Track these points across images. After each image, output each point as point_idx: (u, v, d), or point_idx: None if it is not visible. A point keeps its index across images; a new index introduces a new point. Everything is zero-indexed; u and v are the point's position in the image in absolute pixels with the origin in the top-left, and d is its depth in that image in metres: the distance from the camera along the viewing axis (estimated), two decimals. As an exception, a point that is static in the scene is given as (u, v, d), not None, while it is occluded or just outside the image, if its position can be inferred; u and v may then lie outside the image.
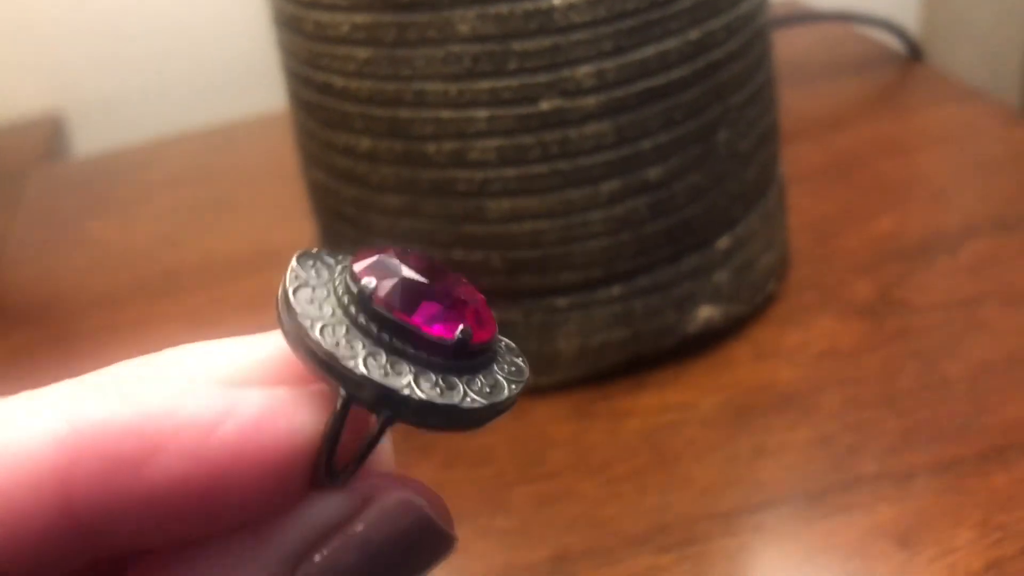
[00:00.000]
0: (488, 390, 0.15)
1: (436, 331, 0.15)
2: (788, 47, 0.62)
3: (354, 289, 0.15)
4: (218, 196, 0.58)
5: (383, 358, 0.14)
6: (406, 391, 0.14)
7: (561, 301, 0.36)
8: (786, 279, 0.42)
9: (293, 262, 0.15)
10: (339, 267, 0.15)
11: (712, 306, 0.38)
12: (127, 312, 0.48)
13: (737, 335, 0.39)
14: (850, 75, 0.61)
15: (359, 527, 0.14)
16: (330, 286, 0.15)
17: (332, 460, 0.14)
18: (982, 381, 0.36)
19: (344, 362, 0.14)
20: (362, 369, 0.14)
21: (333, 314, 0.14)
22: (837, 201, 0.48)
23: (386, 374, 0.14)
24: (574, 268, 0.35)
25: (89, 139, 0.76)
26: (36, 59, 0.75)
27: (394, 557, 0.15)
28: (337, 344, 0.14)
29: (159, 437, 0.13)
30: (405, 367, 0.14)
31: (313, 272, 0.15)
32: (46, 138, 0.72)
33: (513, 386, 0.15)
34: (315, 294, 0.15)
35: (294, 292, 0.14)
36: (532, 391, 0.38)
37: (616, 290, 0.36)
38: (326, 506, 0.14)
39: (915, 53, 0.61)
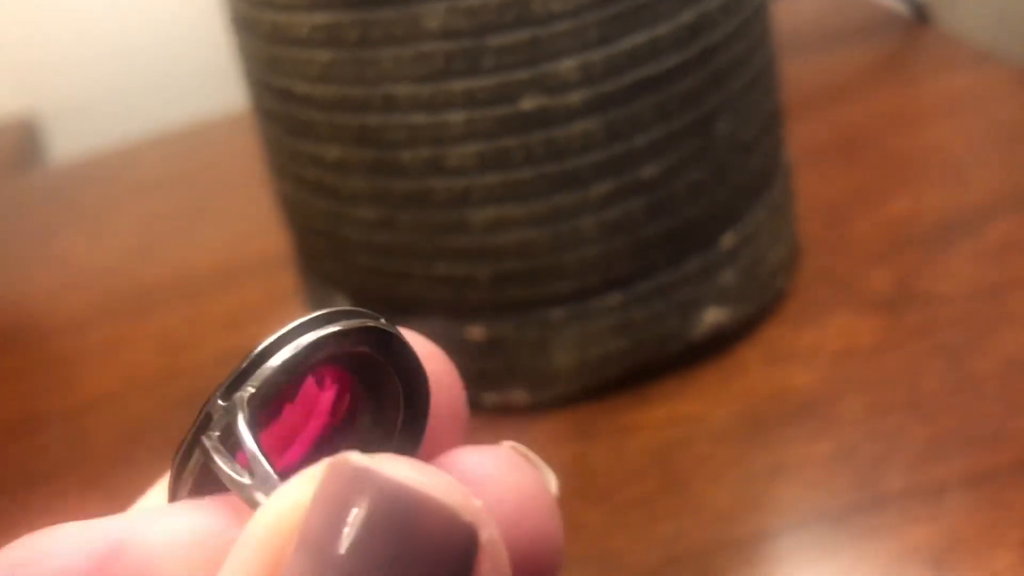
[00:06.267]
0: None
1: None
2: (785, 16, 0.59)
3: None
4: (193, 203, 0.55)
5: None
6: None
7: (555, 313, 0.33)
8: (797, 272, 0.39)
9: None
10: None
11: (719, 308, 0.35)
12: (97, 334, 0.45)
13: (747, 338, 0.36)
14: (853, 43, 0.58)
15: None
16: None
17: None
18: (1014, 378, 0.33)
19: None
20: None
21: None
22: (847, 182, 0.45)
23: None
24: (567, 277, 0.33)
25: (65, 141, 0.73)
26: (7, 61, 0.72)
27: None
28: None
29: None
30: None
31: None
32: (19, 142, 0.69)
33: None
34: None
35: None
36: (530, 409, 0.35)
37: (614, 298, 0.33)
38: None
39: (922, 16, 0.57)
